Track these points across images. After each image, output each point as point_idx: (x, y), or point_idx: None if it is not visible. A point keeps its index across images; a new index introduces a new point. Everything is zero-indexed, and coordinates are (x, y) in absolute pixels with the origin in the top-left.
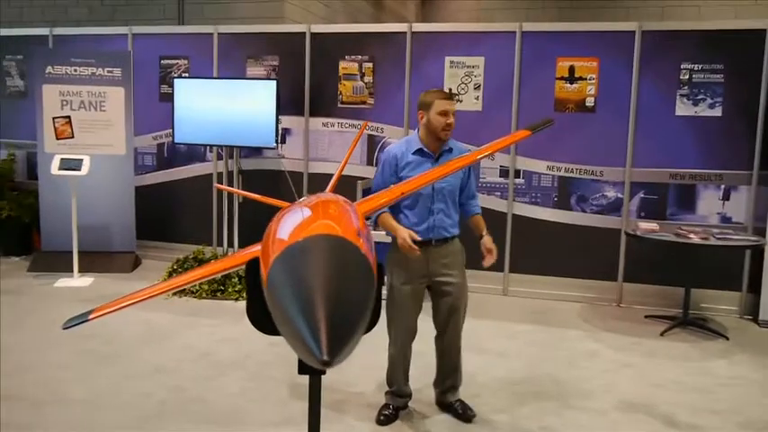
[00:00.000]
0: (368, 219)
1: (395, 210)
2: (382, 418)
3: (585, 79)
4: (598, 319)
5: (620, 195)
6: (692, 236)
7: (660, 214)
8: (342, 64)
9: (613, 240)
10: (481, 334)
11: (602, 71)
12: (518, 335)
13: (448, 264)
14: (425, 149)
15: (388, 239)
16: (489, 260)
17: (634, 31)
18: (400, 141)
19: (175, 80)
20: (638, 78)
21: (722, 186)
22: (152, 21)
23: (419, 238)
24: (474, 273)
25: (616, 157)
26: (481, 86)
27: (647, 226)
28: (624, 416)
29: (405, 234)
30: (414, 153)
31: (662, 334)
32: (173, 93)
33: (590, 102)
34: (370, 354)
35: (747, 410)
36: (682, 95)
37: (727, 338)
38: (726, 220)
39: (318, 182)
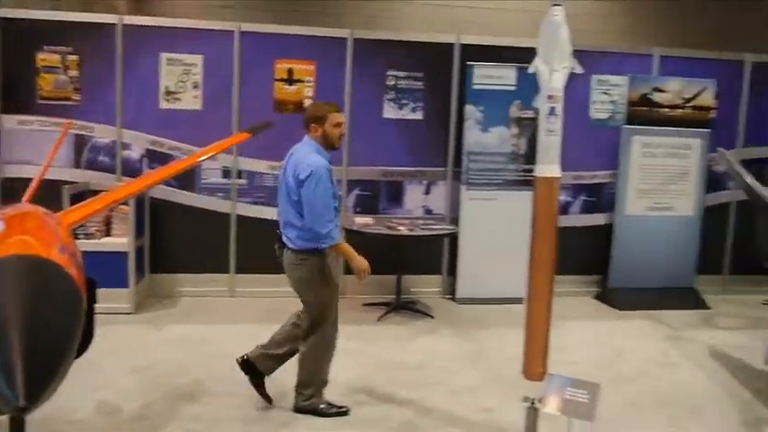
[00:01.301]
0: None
1: None
2: (344, 408)
3: (304, 81)
4: None
5: (339, 193)
6: (400, 228)
7: (374, 209)
8: (40, 55)
9: None
10: (210, 338)
11: (320, 74)
12: (249, 337)
13: None
14: (329, 157)
15: (101, 248)
16: None
17: (347, 38)
18: (310, 152)
19: None
20: (352, 82)
21: (424, 182)
22: None
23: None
24: (197, 277)
25: (334, 157)
26: (200, 85)
27: (362, 221)
28: (349, 400)
29: (366, 264)
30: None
31: (379, 319)
32: None
33: (308, 103)
34: (87, 374)
35: (452, 380)
36: (389, 100)
37: (433, 317)
38: (428, 212)
39: (17, 188)
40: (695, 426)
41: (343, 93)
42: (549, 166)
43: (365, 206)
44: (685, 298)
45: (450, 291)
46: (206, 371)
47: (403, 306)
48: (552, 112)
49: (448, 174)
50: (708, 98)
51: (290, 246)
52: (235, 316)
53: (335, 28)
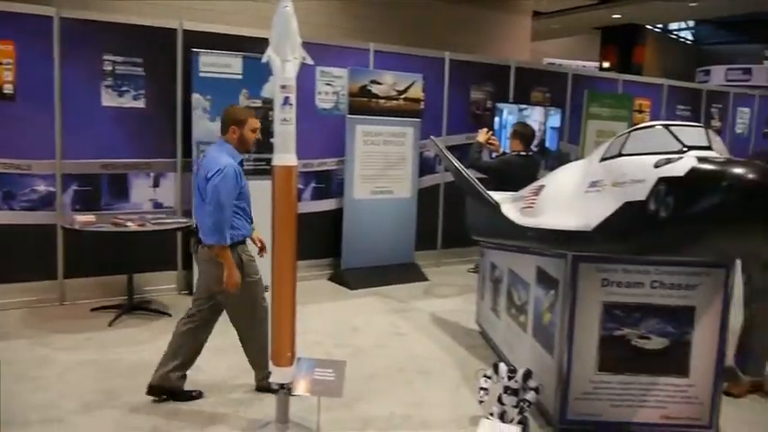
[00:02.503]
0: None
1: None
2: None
3: (2, 64)
4: (42, 322)
5: (52, 189)
6: (129, 224)
7: (95, 205)
8: None
9: (49, 236)
10: None
11: (20, 56)
12: None
13: None
14: (241, 159)
15: None
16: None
17: (52, 17)
18: (220, 154)
19: None
20: (61, 67)
21: (151, 174)
22: None
23: None
24: None
25: (44, 150)
26: None
27: (83, 219)
28: (92, 414)
29: (239, 280)
30: (239, 163)
31: (111, 324)
32: None
33: (8, 89)
34: None
35: (198, 378)
36: (107, 86)
37: (171, 315)
38: (158, 205)
39: None
40: (426, 385)
41: (52, 77)
42: (285, 155)
43: (85, 203)
44: (408, 273)
45: (187, 286)
46: None
47: (137, 307)
48: (286, 101)
49: (177, 165)
50: (417, 91)
51: (204, 242)
52: None
53: (37, 5)
